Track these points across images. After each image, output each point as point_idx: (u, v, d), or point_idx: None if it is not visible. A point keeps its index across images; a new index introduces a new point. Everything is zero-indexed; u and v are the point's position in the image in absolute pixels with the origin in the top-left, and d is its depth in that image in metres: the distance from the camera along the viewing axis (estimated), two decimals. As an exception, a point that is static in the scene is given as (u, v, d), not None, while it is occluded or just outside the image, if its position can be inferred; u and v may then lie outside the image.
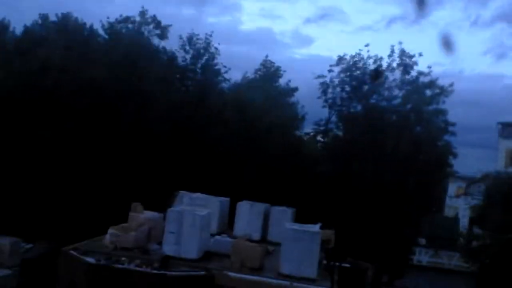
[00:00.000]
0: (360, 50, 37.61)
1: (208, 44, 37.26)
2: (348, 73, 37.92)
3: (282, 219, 22.67)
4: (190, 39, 37.26)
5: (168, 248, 18.51)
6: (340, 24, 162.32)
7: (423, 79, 37.22)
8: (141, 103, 32.87)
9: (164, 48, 37.05)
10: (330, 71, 37.90)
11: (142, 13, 36.59)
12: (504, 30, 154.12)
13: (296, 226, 19.43)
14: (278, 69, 38.69)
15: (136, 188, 28.77)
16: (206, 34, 37.31)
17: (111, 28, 36.44)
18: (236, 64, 43.56)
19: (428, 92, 37.31)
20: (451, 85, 37.11)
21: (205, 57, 37.54)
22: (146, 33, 36.70)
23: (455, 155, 38.46)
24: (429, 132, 37.02)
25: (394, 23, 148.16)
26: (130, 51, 33.61)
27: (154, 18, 36.61)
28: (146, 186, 29.89)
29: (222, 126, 34.54)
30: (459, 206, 72.98)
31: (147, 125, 32.30)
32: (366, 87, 37.98)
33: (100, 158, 30.89)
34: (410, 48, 37.64)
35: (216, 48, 37.22)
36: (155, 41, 36.95)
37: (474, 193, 64.61)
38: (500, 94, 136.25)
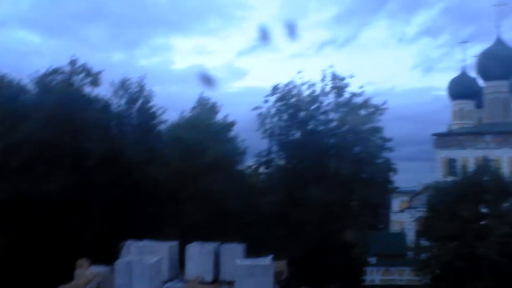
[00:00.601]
0: (292, 78, 38.46)
1: (141, 87, 37.16)
2: (283, 102, 38.57)
3: (233, 256, 22.45)
4: (123, 84, 37.08)
5: (120, 301, 18.04)
6: (271, 53, 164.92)
7: (356, 99, 38.28)
8: (78, 154, 32.27)
9: (97, 95, 36.65)
10: (266, 101, 38.48)
11: (72, 63, 36.10)
12: (429, 44, 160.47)
13: (248, 262, 19.33)
14: (214, 105, 38.89)
15: (80, 243, 28.07)
16: (138, 77, 37.25)
17: (41, 81, 35.78)
18: (172, 104, 43.44)
19: (363, 112, 38.33)
20: (384, 103, 38.40)
21: (140, 101, 37.37)
22: (77, 82, 36.20)
23: (395, 171, 39.44)
24: (368, 150, 37.92)
25: (325, 48, 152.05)
26: (62, 102, 33.04)
27: (84, 66, 36.18)
28: (90, 239, 29.21)
29: (163, 167, 34.28)
30: (404, 220, 74.50)
31: (86, 175, 31.70)
32: (302, 114, 38.64)
33: (39, 216, 30.03)
34: (342, 71, 38.89)
35: (150, 91, 37.20)
36: (88, 89, 36.50)
37: (417, 206, 66.15)
38: (431, 106, 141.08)
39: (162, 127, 38.74)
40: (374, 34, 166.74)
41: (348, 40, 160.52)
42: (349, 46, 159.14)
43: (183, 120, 38.65)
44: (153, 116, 37.73)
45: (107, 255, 22.39)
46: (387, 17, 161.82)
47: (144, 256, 19.39)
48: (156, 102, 37.77)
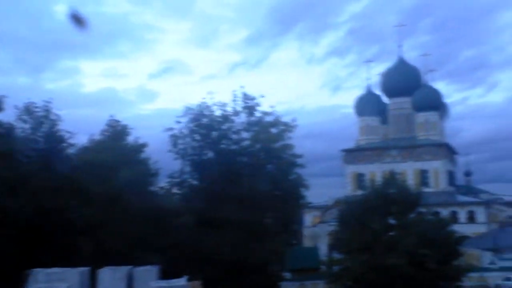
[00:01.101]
0: (203, 98, 38.60)
1: (47, 111, 36.02)
2: (196, 122, 38.60)
3: (148, 279, 22.17)
4: (27, 108, 35.80)
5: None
6: (183, 76, 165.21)
7: (267, 118, 38.92)
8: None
9: (0, 120, 35.13)
10: (178, 122, 38.38)
11: None
12: (336, 64, 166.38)
13: (162, 283, 19.18)
14: (125, 127, 38.28)
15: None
16: (44, 101, 36.10)
17: None
18: (82, 128, 42.39)
19: (274, 130, 38.99)
20: (294, 120, 39.28)
21: (46, 125, 36.20)
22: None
23: (307, 187, 40.28)
24: (280, 168, 38.55)
25: (236, 69, 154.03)
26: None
27: (-16, 90, 34.64)
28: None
29: (71, 192, 33.30)
30: (317, 234, 76.09)
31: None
32: (215, 134, 38.81)
33: None
34: (254, 91, 39.50)
35: (56, 115, 36.11)
36: (-10, 114, 34.92)
37: (329, 220, 67.91)
38: (339, 123, 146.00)
39: (71, 151, 37.67)
40: (284, 55, 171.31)
41: (259, 61, 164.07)
42: (260, 67, 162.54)
43: (93, 143, 37.76)
44: (60, 140, 36.60)
45: (14, 284, 21.45)
46: (296, 38, 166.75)
47: (53, 284, 18.76)
48: (65, 126, 36.70)
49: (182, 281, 19.16)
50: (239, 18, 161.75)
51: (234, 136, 39.54)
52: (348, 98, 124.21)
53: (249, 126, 39.41)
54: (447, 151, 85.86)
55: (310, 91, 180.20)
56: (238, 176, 37.20)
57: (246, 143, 39.66)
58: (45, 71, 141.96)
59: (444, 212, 68.44)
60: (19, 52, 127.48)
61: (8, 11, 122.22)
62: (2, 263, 28.68)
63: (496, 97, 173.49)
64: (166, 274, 23.60)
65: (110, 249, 30.10)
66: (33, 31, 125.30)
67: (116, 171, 33.31)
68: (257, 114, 39.26)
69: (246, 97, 38.94)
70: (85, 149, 37.23)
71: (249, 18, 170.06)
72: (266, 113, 39.11)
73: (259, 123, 39.12)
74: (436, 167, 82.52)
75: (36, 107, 35.92)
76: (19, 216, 30.38)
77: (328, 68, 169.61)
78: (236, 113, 39.11)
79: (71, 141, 37.15)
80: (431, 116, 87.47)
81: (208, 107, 38.80)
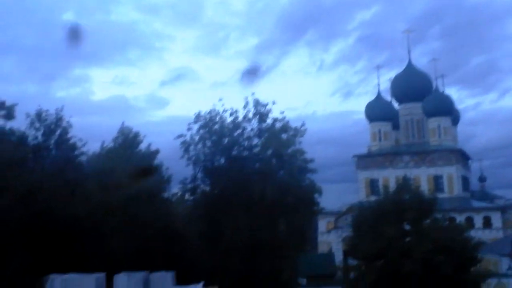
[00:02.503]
0: (214, 105, 38.47)
1: (59, 119, 36.05)
2: (207, 129, 38.47)
3: (163, 284, 21.99)
4: (38, 116, 35.82)
5: None
6: (193, 83, 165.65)
7: (278, 124, 38.69)
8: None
9: (11, 128, 35.17)
10: (189, 129, 38.31)
11: None
12: (347, 71, 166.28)
13: (178, 290, 18.94)
14: (137, 134, 38.20)
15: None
16: (56, 109, 36.13)
17: None
18: (93, 135, 42.36)
19: (284, 136, 38.74)
20: (303, 124, 39.01)
21: (57, 132, 36.22)
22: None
23: (320, 192, 39.90)
24: (292, 173, 38.24)
25: (247, 76, 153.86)
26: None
27: (-5, 99, 34.66)
28: (11, 277, 27.75)
29: (85, 200, 33.21)
30: (331, 241, 75.74)
31: (2, 214, 30.19)
32: (226, 140, 38.65)
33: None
34: (264, 98, 39.28)
35: (68, 122, 36.14)
36: (1, 122, 34.95)
37: (343, 226, 67.53)
38: (351, 130, 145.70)
39: (83, 158, 37.64)
40: (294, 62, 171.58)
41: (269, 69, 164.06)
42: (271, 74, 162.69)
43: (104, 151, 37.68)
44: (72, 147, 36.60)
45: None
46: (307, 46, 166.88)
47: (69, 290, 18.58)
48: (76, 134, 36.73)
49: (198, 287, 18.89)
50: (249, 26, 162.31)
51: (245, 143, 39.32)
52: (359, 104, 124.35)
53: (260, 132, 39.20)
54: (461, 156, 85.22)
55: (321, 97, 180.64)
56: (250, 182, 36.94)
57: (257, 149, 39.42)
58: (56, 79, 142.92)
59: (459, 217, 67.87)
60: (30, 61, 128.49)
61: (18, 20, 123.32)
62: (18, 271, 28.62)
63: (509, 103, 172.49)
64: (181, 281, 23.41)
65: (124, 255, 29.96)
66: (44, 40, 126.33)
67: (127, 178, 33.16)
68: (268, 120, 39.04)
69: (257, 103, 38.77)
70: (97, 156, 37.16)
71: (258, 25, 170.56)
72: (276, 120, 38.88)
73: (270, 129, 38.89)
74: (450, 172, 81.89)
75: (48, 114, 35.97)
76: (32, 223, 30.34)
77: (339, 74, 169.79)
78: (248, 119, 38.92)
79: (83, 148, 37.21)
80: (443, 121, 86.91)
81: (218, 114, 38.66)
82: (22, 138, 35.38)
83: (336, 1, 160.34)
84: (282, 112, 39.04)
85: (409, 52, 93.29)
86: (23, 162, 34.09)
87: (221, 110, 38.54)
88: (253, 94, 38.88)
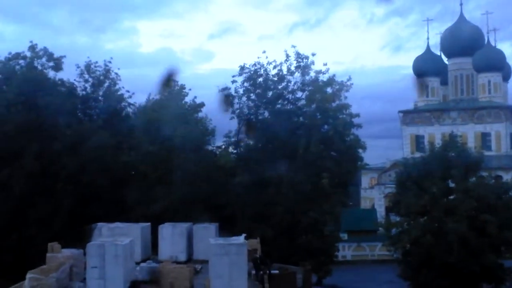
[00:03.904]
0: (258, 58, 38.18)
1: (107, 70, 36.63)
2: (251, 82, 38.32)
3: (206, 235, 22.52)
4: (88, 67, 36.46)
5: (93, 284, 17.88)
6: (241, 36, 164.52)
7: (322, 77, 38.23)
8: (44, 139, 31.69)
9: (61, 79, 35.91)
10: (233, 82, 38.17)
11: (32, 48, 35.20)
12: (398, 24, 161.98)
13: (221, 241, 19.38)
14: (182, 87, 38.45)
15: (50, 227, 27.70)
16: (104, 60, 36.65)
17: (2, 67, 34.92)
18: (140, 87, 42.84)
19: (329, 90, 38.32)
20: (349, 79, 38.38)
21: (106, 84, 36.84)
22: (39, 67, 35.39)
23: (364, 148, 39.64)
24: (337, 128, 37.97)
25: (296, 30, 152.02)
26: (25, 87, 32.33)
27: (45, 50, 35.36)
28: (61, 223, 28.85)
29: (132, 150, 33.95)
30: (374, 197, 75.51)
31: (53, 160, 31.19)
32: (270, 93, 38.48)
33: (8, 201, 29.53)
34: (313, 51, 38.70)
35: (116, 74, 36.67)
36: (51, 73, 35.72)
37: (386, 182, 67.13)
38: (399, 85, 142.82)
39: (130, 110, 38.29)
40: (344, 16, 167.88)
41: (319, 22, 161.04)
42: (320, 27, 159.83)
43: (151, 103, 38.19)
44: (120, 99, 37.25)
45: (78, 238, 22.17)
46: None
47: (117, 238, 19.24)
48: (123, 85, 37.34)
49: (240, 239, 19.30)
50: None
51: (290, 96, 39.06)
52: (409, 59, 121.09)
53: (303, 85, 38.82)
54: (510, 113, 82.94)
55: (370, 52, 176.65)
56: (294, 136, 36.91)
57: (302, 102, 39.16)
58: (104, 32, 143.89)
59: (506, 176, 66.51)
60: (78, 13, 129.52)
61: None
62: (67, 218, 29.72)
63: None
64: (224, 232, 23.91)
65: (168, 206, 30.67)
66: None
67: (173, 130, 33.67)
68: (312, 73, 38.56)
69: (298, 56, 38.27)
70: (143, 108, 37.74)
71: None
72: (320, 72, 38.32)
73: (313, 82, 38.45)
74: (498, 130, 79.94)
75: (97, 66, 36.58)
76: (81, 172, 31.29)
77: (389, 28, 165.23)
78: (291, 72, 38.53)
79: (130, 100, 37.83)
80: (494, 77, 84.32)
81: (262, 66, 38.37)
82: (71, 89, 36.20)
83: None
84: (325, 64, 38.51)
85: (461, 4, 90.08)
86: (72, 112, 34.97)
87: (265, 63, 38.25)
88: (293, 46, 38.34)
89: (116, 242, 18.58)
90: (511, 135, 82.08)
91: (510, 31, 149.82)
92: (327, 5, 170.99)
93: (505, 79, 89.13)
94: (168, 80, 35.22)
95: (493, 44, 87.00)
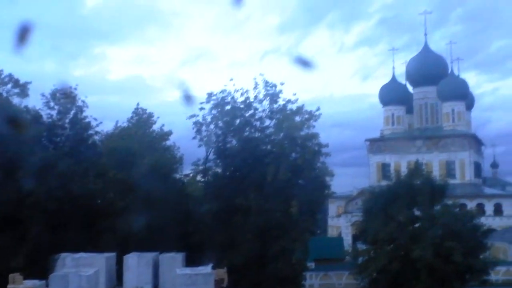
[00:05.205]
0: (225, 85, 38.34)
1: (74, 97, 36.31)
2: (219, 109, 38.38)
3: (173, 265, 22.27)
4: (54, 94, 36.09)
5: (56, 316, 17.49)
6: (212, 63, 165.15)
7: (291, 106, 38.57)
8: (9, 167, 31.09)
9: (26, 107, 35.46)
10: (201, 109, 38.15)
11: None
12: (367, 53, 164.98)
13: (188, 271, 19.20)
14: (150, 115, 38.37)
15: (13, 257, 27.03)
16: (70, 87, 36.36)
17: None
18: (108, 114, 42.70)
19: (298, 118, 38.64)
20: (318, 109, 38.81)
21: (72, 111, 36.50)
22: (4, 93, 34.92)
23: (331, 176, 39.97)
24: (305, 156, 38.21)
25: (267, 57, 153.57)
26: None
27: (11, 76, 34.95)
28: (24, 253, 28.19)
29: (99, 178, 33.54)
30: (341, 225, 75.84)
31: (19, 188, 30.60)
32: (238, 121, 38.59)
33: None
34: (283, 79, 39.08)
35: (83, 101, 36.40)
36: (16, 100, 35.24)
37: (353, 211, 67.51)
38: (366, 113, 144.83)
39: (97, 137, 37.95)
40: (315, 44, 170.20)
41: (290, 50, 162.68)
42: (291, 55, 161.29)
43: (118, 130, 37.96)
44: (87, 126, 36.90)
45: (41, 268, 21.67)
46: (328, 27, 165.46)
47: (81, 269, 18.92)
48: (91, 113, 37.03)
49: (207, 268, 19.14)
50: (270, 6, 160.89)
51: (257, 124, 39.22)
52: (376, 88, 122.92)
53: (272, 113, 39.08)
54: (474, 142, 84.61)
55: (339, 80, 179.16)
56: (262, 164, 37.00)
57: (270, 130, 39.37)
58: (74, 58, 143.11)
59: (471, 204, 67.59)
60: (47, 40, 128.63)
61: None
62: (31, 247, 29.04)
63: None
64: (190, 261, 23.68)
65: (135, 235, 30.28)
66: (62, 18, 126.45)
67: (140, 158, 33.45)
68: (280, 101, 38.87)
69: (267, 84, 38.59)
70: (111, 136, 37.47)
71: (280, 5, 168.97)
72: (289, 101, 38.68)
73: (282, 111, 38.76)
74: (462, 158, 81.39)
75: (63, 94, 36.21)
76: (46, 201, 30.71)
77: (358, 57, 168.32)
78: (259, 100, 38.78)
79: (97, 128, 37.52)
80: (457, 106, 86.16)
81: (230, 94, 38.51)
82: (36, 116, 35.69)
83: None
84: (295, 94, 38.92)
85: (425, 34, 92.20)
86: (37, 139, 34.44)
87: (232, 90, 38.38)
88: (261, 74, 38.67)
89: (80, 272, 18.26)
90: (475, 164, 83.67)
91: (473, 61, 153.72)
92: (298, 33, 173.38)
93: (469, 108, 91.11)
94: None
95: (456, 74, 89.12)
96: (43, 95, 35.88)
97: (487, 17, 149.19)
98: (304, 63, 7.16)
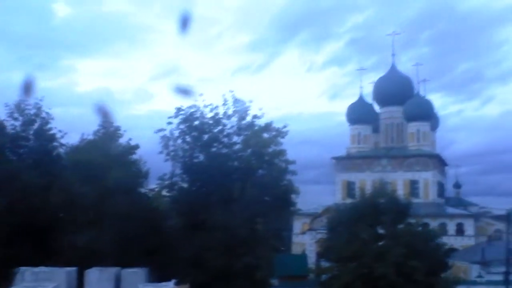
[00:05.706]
0: (195, 100, 38.29)
1: (38, 109, 35.84)
2: (187, 124, 38.31)
3: (135, 281, 21.99)
4: (18, 106, 35.56)
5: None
6: (181, 78, 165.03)
7: (259, 123, 38.70)
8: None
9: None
10: (169, 123, 38.04)
11: None
12: (336, 73, 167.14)
13: (150, 286, 19.00)
14: (117, 128, 37.99)
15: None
16: (36, 99, 35.88)
17: None
18: (75, 127, 42.09)
19: (266, 135, 38.80)
20: (285, 126, 39.05)
21: (37, 123, 36.00)
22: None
23: (297, 193, 40.09)
24: (271, 173, 38.33)
25: (237, 74, 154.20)
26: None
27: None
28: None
29: (62, 192, 33.04)
30: (305, 242, 76.13)
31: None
32: (206, 137, 38.55)
33: None
34: (253, 96, 39.35)
35: (47, 113, 35.92)
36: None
37: (318, 228, 67.90)
38: (333, 131, 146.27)
39: (62, 150, 37.43)
40: (285, 62, 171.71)
41: (260, 68, 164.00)
42: (261, 73, 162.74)
43: (84, 143, 37.48)
44: (51, 138, 36.41)
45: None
46: (298, 46, 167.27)
47: (40, 283, 18.55)
48: (57, 125, 36.57)
49: (170, 284, 18.98)
50: (241, 24, 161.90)
51: (225, 140, 39.24)
52: (344, 107, 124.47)
53: (240, 130, 39.17)
54: (438, 162, 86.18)
55: (308, 98, 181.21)
56: (229, 180, 36.97)
57: (238, 147, 39.42)
58: (42, 70, 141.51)
59: (433, 223, 68.65)
60: (15, 50, 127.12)
61: (7, 8, 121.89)
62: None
63: (491, 111, 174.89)
64: (154, 277, 23.44)
65: (97, 249, 29.87)
66: (33, 29, 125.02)
67: (106, 172, 33.07)
68: (248, 118, 39.01)
69: (235, 101, 38.71)
70: (75, 149, 36.98)
71: (251, 24, 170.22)
72: (256, 117, 38.83)
73: (250, 127, 38.88)
74: (426, 178, 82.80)
75: (28, 105, 35.73)
76: (6, 214, 30.16)
77: (327, 76, 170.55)
78: (228, 116, 38.86)
79: (62, 140, 37.03)
80: (422, 126, 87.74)
81: (199, 109, 38.50)
82: (0, 127, 35.13)
83: (330, 4, 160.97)
84: (261, 109, 39.08)
85: (393, 55, 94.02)
86: (0, 151, 33.89)
87: (201, 105, 38.39)
88: (231, 91, 38.81)
89: (39, 287, 17.92)
90: (438, 184, 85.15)
91: (440, 82, 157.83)
92: (269, 52, 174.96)
93: (433, 128, 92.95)
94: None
95: (422, 95, 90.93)
96: (6, 105, 35.37)
97: (454, 40, 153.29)
98: (184, 91, 7.33)
